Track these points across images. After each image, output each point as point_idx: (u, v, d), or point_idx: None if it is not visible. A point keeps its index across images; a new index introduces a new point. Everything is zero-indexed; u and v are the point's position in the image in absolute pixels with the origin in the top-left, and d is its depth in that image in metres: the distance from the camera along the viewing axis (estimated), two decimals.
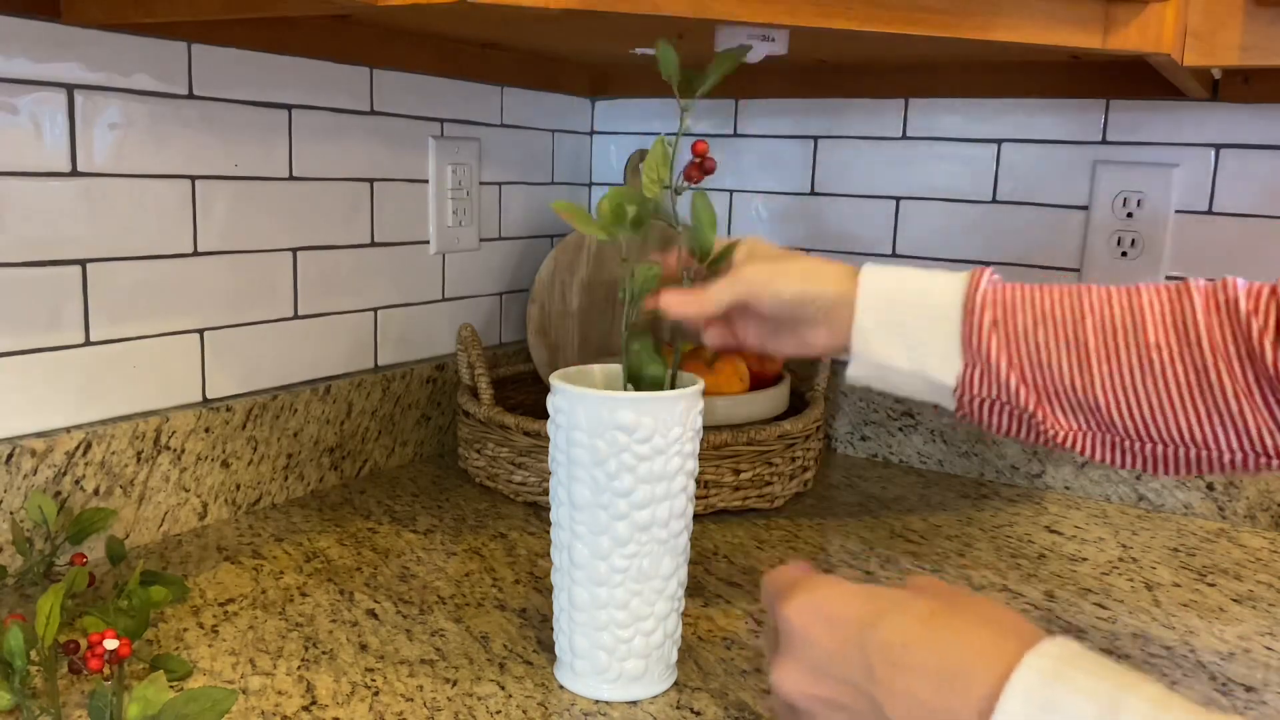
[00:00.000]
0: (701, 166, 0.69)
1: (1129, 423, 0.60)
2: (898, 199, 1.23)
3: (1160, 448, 0.60)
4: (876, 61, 1.17)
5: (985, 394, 0.62)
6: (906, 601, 0.44)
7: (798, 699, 0.45)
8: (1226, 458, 0.59)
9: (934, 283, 0.65)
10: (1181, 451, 0.60)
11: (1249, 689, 0.71)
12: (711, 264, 0.70)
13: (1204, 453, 0.59)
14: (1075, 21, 0.78)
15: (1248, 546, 1.00)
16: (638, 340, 0.67)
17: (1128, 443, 0.61)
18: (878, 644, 0.42)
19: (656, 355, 0.67)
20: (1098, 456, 0.62)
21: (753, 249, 0.72)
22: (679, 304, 0.69)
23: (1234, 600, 0.87)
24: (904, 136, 1.22)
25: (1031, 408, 0.62)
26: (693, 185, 0.69)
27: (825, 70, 1.22)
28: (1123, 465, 0.62)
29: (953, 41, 0.79)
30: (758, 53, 0.81)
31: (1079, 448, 0.62)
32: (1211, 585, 0.90)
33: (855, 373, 0.67)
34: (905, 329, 0.63)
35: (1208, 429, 0.58)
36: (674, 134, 0.67)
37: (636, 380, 0.67)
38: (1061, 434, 0.62)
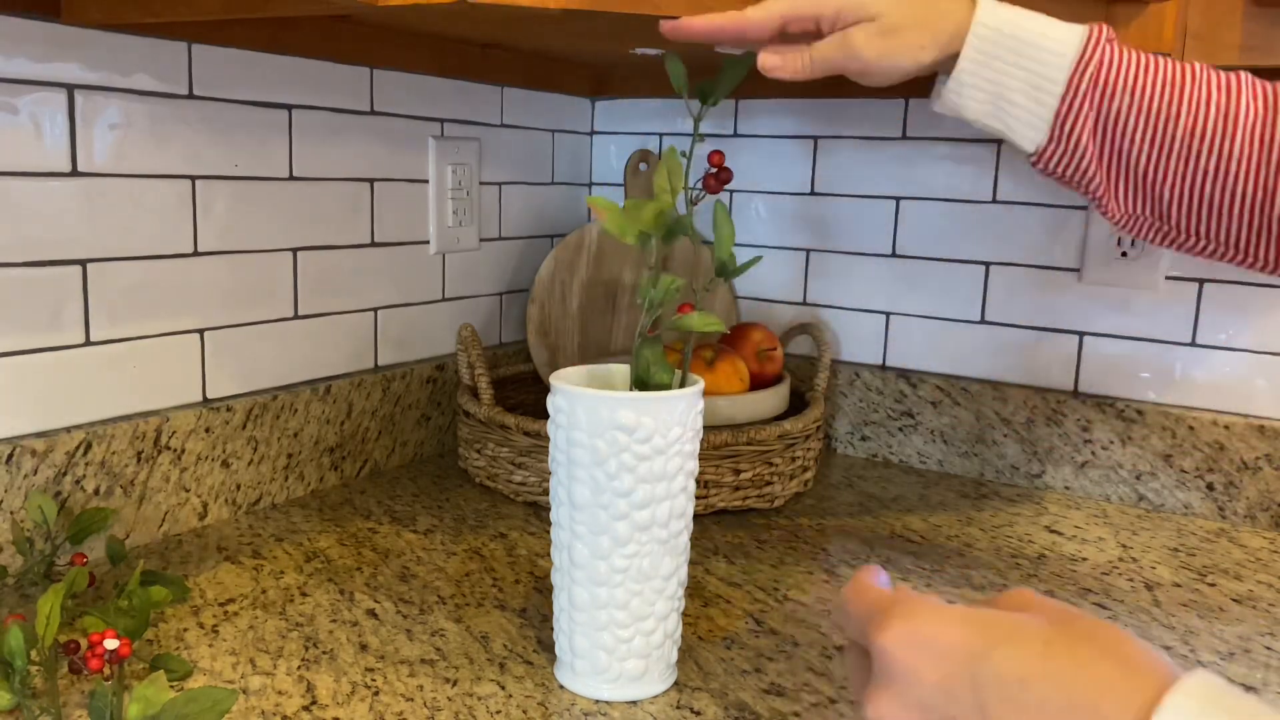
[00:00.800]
0: (718, 177, 0.69)
1: (1190, 222, 0.63)
2: (897, 199, 1.23)
3: (1210, 247, 0.64)
4: None
5: (1059, 167, 0.64)
6: (1020, 629, 0.39)
7: None
8: (1271, 268, 0.63)
9: (1049, 33, 0.63)
10: (1229, 255, 0.64)
11: (1249, 689, 0.71)
12: (729, 277, 0.70)
13: (1252, 261, 0.64)
14: (1075, 21, 0.78)
15: (1248, 546, 1.00)
16: (649, 347, 0.66)
17: (1181, 237, 0.64)
18: (992, 679, 0.38)
19: (665, 363, 0.67)
20: (1147, 238, 0.65)
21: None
22: (776, 66, 0.66)
23: (1234, 600, 0.87)
24: (904, 136, 1.22)
25: (1099, 189, 0.64)
26: (710, 194, 0.68)
27: None
28: (1170, 246, 0.65)
29: None
30: None
31: (1131, 229, 0.65)
32: (1211, 585, 0.90)
33: (941, 109, 0.68)
34: (1002, 89, 0.63)
35: (1264, 245, 0.62)
36: (682, 139, 0.67)
37: (643, 387, 0.67)
38: (1118, 215, 0.65)
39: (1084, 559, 0.95)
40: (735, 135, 1.31)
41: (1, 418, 0.80)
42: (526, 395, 1.23)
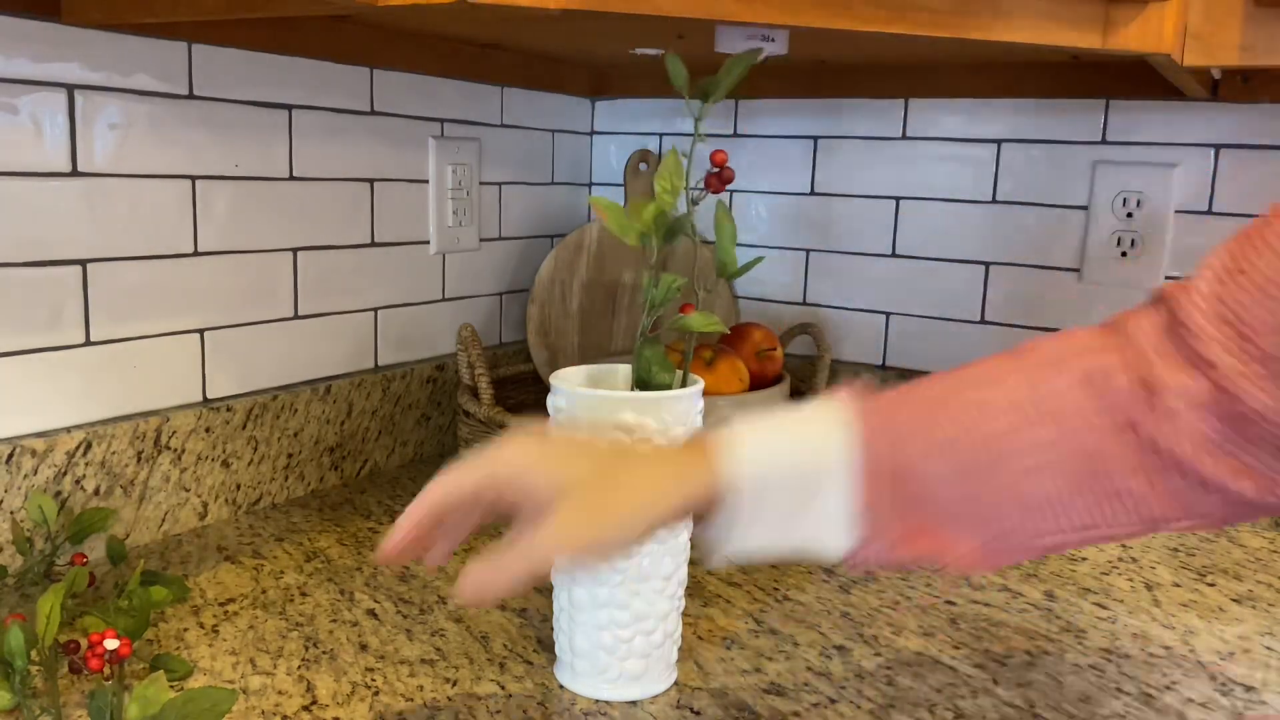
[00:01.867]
0: (721, 176, 0.69)
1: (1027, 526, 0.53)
2: (898, 199, 1.23)
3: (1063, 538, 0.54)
4: (876, 61, 1.17)
5: (878, 559, 0.54)
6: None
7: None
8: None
9: (805, 446, 0.53)
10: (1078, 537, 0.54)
11: (1249, 689, 0.71)
12: (730, 277, 0.70)
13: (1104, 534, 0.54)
14: (1075, 21, 0.79)
15: (1248, 546, 1.00)
16: (650, 348, 0.66)
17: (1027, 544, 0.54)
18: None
19: (666, 363, 0.67)
20: (991, 566, 0.55)
21: (564, 478, 0.53)
22: (485, 586, 0.52)
23: (1234, 600, 0.87)
24: (904, 136, 1.22)
25: (935, 550, 0.54)
26: (713, 194, 0.68)
27: (825, 70, 1.22)
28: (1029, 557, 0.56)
29: (953, 41, 0.79)
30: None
31: (979, 568, 0.55)
32: (1211, 585, 0.90)
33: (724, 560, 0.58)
34: (787, 516, 0.53)
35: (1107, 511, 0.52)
36: (683, 139, 0.67)
37: (644, 387, 0.67)
38: (962, 561, 0.54)
39: (1084, 559, 0.95)
40: (735, 135, 1.31)
41: (1, 417, 0.80)
42: (526, 395, 1.23)
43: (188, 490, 0.92)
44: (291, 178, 0.99)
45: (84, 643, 0.64)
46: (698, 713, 0.65)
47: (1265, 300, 0.48)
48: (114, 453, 0.86)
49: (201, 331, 0.93)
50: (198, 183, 0.91)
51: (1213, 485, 0.50)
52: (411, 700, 0.65)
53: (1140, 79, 1.04)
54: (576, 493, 0.52)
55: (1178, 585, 0.89)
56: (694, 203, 0.68)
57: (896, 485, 0.53)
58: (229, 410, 0.95)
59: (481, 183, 1.22)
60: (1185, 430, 0.49)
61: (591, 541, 0.52)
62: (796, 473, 0.52)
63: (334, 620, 0.76)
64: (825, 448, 0.53)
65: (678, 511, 0.53)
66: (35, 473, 0.80)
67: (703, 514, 0.54)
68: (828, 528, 0.53)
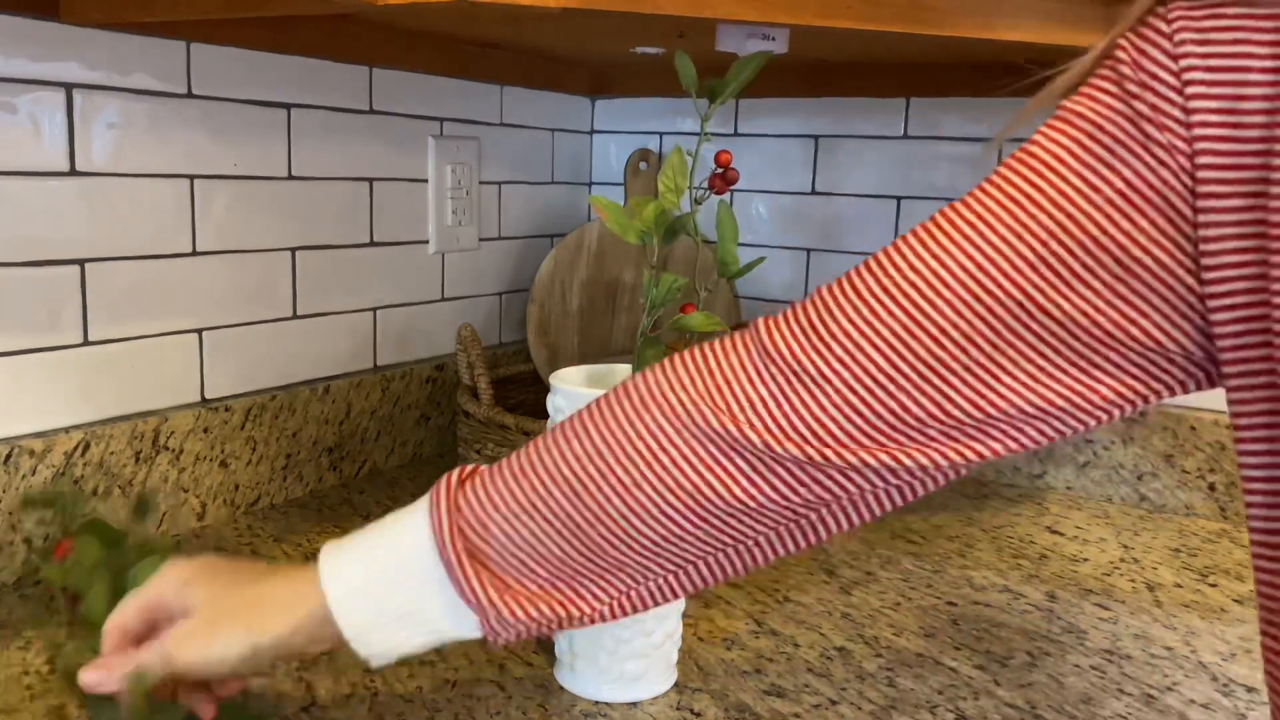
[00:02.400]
0: (725, 177, 0.69)
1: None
2: (899, 198, 1.23)
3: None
4: (878, 60, 1.17)
5: (513, 631, 0.53)
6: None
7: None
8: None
9: (396, 553, 0.54)
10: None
11: (1251, 690, 0.71)
12: (732, 277, 0.70)
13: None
14: (1076, 21, 0.78)
15: (1249, 547, 0.99)
16: (651, 347, 0.66)
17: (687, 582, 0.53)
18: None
19: None
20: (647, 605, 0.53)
21: (163, 592, 0.57)
22: (105, 682, 0.55)
23: (1235, 601, 0.86)
24: (905, 136, 1.21)
25: (563, 611, 0.52)
26: (716, 194, 0.68)
27: (826, 69, 1.22)
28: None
29: (953, 41, 0.79)
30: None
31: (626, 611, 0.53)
32: (1213, 586, 0.90)
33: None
34: (403, 618, 0.53)
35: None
36: (683, 139, 0.67)
37: None
38: (603, 610, 0.52)
39: (1085, 559, 0.95)
40: (736, 134, 1.31)
41: (0, 418, 0.80)
42: (526, 395, 1.23)
43: (186, 490, 0.92)
44: (290, 177, 0.99)
45: None
46: (698, 714, 0.65)
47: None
48: (112, 453, 0.85)
49: (200, 331, 0.93)
50: (196, 182, 0.91)
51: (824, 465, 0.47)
52: (411, 701, 0.65)
53: None
54: (194, 613, 0.55)
55: (1179, 586, 0.89)
56: (697, 202, 0.67)
57: (488, 560, 0.52)
58: (227, 410, 0.94)
59: (481, 182, 1.22)
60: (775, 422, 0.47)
61: (191, 662, 0.54)
62: (389, 581, 0.53)
63: None
64: (411, 550, 0.53)
65: (287, 634, 0.54)
66: (34, 473, 0.80)
67: (324, 636, 0.54)
68: (445, 621, 0.53)
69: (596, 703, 0.66)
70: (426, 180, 1.15)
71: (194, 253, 0.92)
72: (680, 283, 0.66)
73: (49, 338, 0.82)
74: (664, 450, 0.49)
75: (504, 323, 1.30)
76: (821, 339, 0.47)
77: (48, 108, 0.79)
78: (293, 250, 1.01)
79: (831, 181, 1.26)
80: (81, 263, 0.83)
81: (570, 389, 0.64)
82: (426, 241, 1.16)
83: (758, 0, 0.72)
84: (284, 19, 0.94)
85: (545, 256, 1.23)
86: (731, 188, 0.70)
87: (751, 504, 0.49)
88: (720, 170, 0.69)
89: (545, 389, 0.67)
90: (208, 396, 0.95)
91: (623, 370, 0.70)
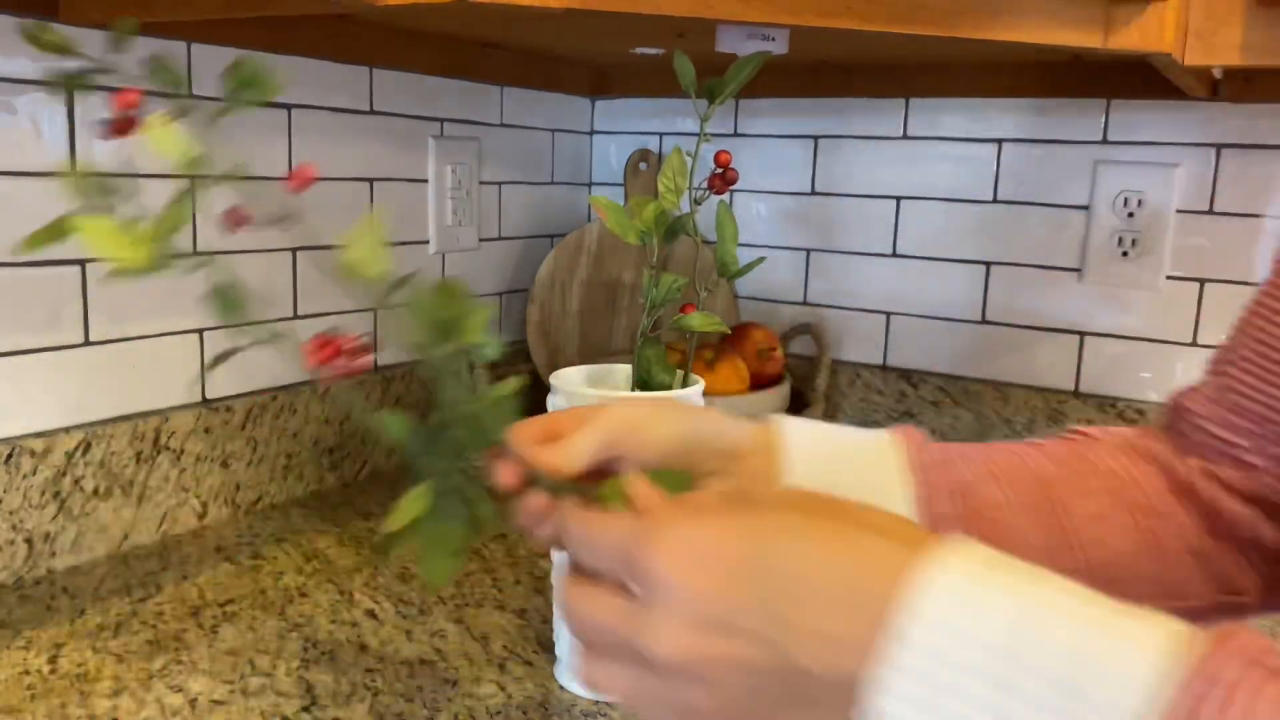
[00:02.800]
0: (724, 177, 0.69)
1: None
2: (898, 199, 1.23)
3: None
4: (877, 61, 1.17)
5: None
6: (786, 521, 0.36)
7: (687, 663, 0.35)
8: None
9: (858, 437, 0.53)
10: None
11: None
12: (732, 277, 0.70)
13: None
14: (1076, 21, 0.78)
15: None
16: (651, 347, 0.66)
17: None
18: (775, 582, 0.34)
19: (666, 364, 0.67)
20: None
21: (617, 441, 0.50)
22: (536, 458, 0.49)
23: None
24: (905, 136, 1.21)
25: None
26: (716, 195, 0.68)
27: (826, 70, 1.22)
28: None
29: (953, 41, 0.79)
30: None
31: None
32: None
33: None
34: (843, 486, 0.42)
35: None
36: (683, 139, 0.67)
37: (644, 387, 0.67)
38: None
39: None
40: (736, 134, 1.31)
41: (1, 418, 0.80)
42: (526, 395, 1.23)
43: (187, 490, 0.92)
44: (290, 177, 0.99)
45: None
46: None
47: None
48: (113, 453, 0.85)
49: (200, 331, 0.93)
50: (196, 182, 0.91)
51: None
52: (411, 701, 0.65)
53: (1141, 79, 1.04)
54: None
55: None
56: (697, 203, 0.67)
57: (955, 499, 0.51)
58: (228, 411, 0.94)
59: (481, 182, 1.22)
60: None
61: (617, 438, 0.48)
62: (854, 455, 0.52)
63: (333, 621, 0.76)
64: (880, 463, 0.51)
65: (715, 439, 0.51)
66: (34, 473, 0.80)
67: (743, 470, 0.51)
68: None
69: (596, 703, 0.66)
70: (426, 180, 1.15)
71: (194, 253, 0.92)
72: (680, 283, 0.66)
73: (50, 338, 0.82)
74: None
75: (504, 323, 1.30)
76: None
77: (48, 108, 0.79)
78: (293, 250, 1.01)
79: (831, 181, 1.27)
80: (82, 263, 0.83)
81: (570, 389, 0.64)
82: (427, 241, 1.16)
83: (758, 1, 0.72)
84: (284, 19, 0.94)
85: (545, 257, 1.23)
86: (731, 188, 0.70)
87: None
88: (720, 170, 0.69)
89: (545, 389, 0.67)
90: (208, 397, 0.95)
91: (623, 370, 0.70)
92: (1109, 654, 0.29)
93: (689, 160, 0.65)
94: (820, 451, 0.51)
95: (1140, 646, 0.29)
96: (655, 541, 0.36)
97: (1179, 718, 0.27)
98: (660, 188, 0.65)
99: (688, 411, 0.52)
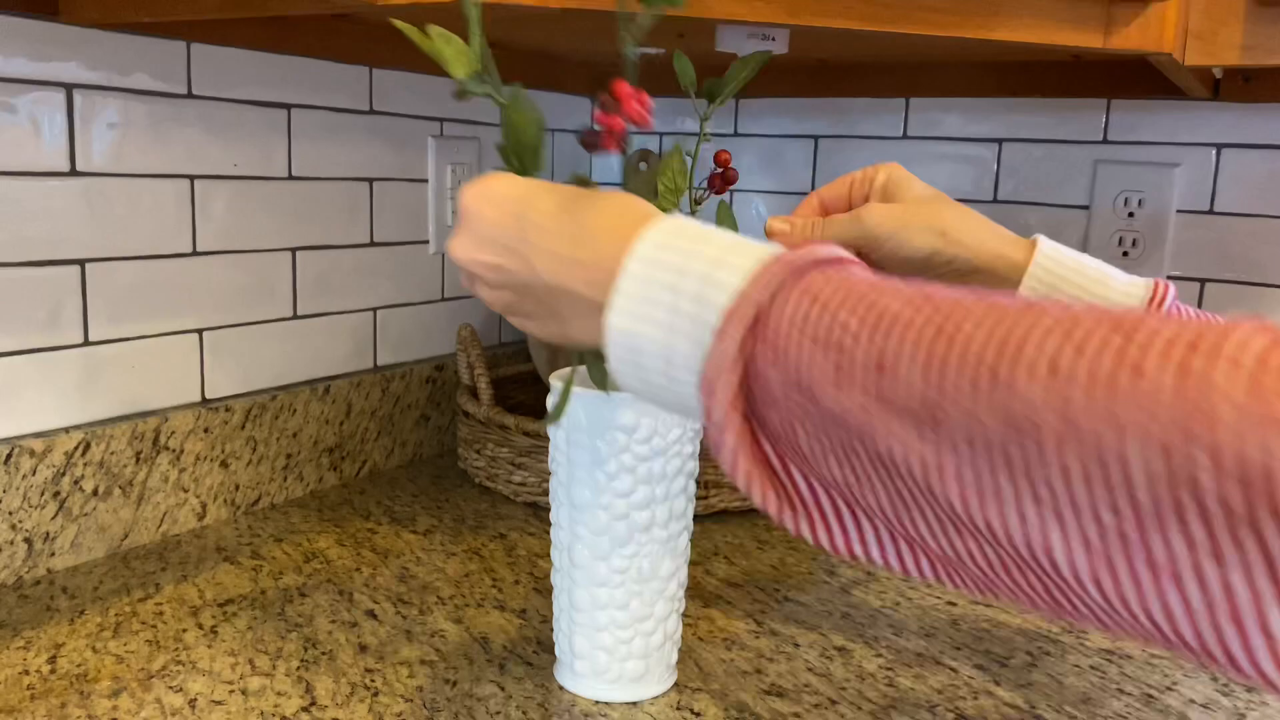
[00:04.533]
0: (724, 177, 0.69)
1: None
2: None
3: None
4: (877, 61, 1.17)
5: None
6: (556, 188, 0.50)
7: (467, 264, 0.51)
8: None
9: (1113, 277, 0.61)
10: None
11: (1251, 689, 0.71)
12: None
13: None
14: (1076, 21, 0.78)
15: None
16: None
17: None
18: (530, 218, 0.48)
19: None
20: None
21: (890, 181, 0.66)
22: (785, 236, 0.66)
23: None
24: (905, 136, 1.21)
25: None
26: (716, 195, 0.68)
27: (826, 70, 1.22)
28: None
29: (953, 41, 0.79)
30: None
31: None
32: None
33: None
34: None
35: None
36: (683, 138, 0.67)
37: None
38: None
39: None
40: (736, 134, 1.31)
41: (0, 418, 0.80)
42: (526, 395, 1.23)
43: (186, 490, 0.92)
44: (290, 177, 0.99)
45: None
46: (698, 714, 0.65)
47: None
48: (113, 453, 0.85)
49: (200, 331, 0.93)
50: (196, 182, 0.91)
51: None
52: (411, 701, 0.65)
53: (1142, 78, 1.04)
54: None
55: None
56: (697, 203, 0.67)
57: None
58: (228, 410, 0.94)
59: None
60: None
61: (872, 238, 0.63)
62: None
63: (333, 621, 0.76)
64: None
65: (959, 260, 0.62)
66: (34, 473, 0.80)
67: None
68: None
69: (596, 703, 0.66)
70: (426, 180, 1.15)
71: (194, 253, 0.92)
72: None
73: (49, 338, 0.82)
74: None
75: (504, 323, 1.30)
76: None
77: (47, 108, 0.79)
78: (293, 250, 1.01)
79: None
80: (82, 263, 0.83)
81: (570, 389, 0.64)
82: (426, 241, 1.16)
83: (758, 1, 0.72)
84: (284, 19, 0.94)
85: None
86: (731, 187, 0.70)
87: None
88: (720, 170, 0.69)
89: (545, 389, 0.67)
90: (208, 396, 0.95)
91: None
92: (730, 263, 0.39)
93: (689, 160, 0.65)
94: (1067, 268, 0.60)
95: (749, 257, 0.39)
96: (468, 186, 0.51)
97: (760, 285, 0.38)
98: (660, 188, 0.65)
99: (946, 227, 0.60)
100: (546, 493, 0.98)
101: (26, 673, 0.67)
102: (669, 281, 0.40)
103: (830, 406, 0.35)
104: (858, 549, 0.38)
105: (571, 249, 0.45)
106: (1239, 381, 0.27)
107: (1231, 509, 0.26)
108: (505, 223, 0.48)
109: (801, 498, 0.39)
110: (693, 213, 0.66)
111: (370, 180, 1.08)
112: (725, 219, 0.69)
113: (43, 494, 0.81)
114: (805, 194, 1.28)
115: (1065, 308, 0.32)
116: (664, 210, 0.64)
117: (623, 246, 0.42)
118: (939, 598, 0.84)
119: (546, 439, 0.64)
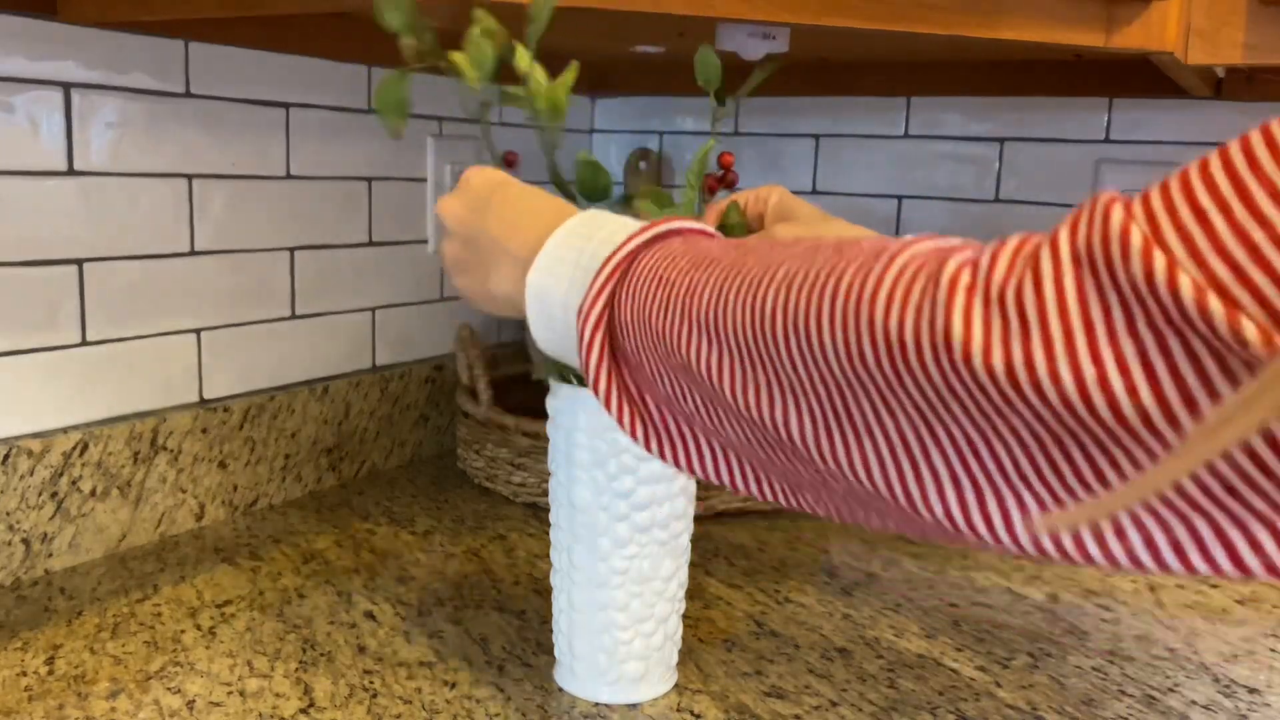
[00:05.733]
0: (725, 179, 0.69)
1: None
2: (900, 197, 1.22)
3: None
4: (878, 59, 1.17)
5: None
6: (527, 188, 0.61)
7: (446, 214, 0.60)
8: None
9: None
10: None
11: (1252, 690, 0.71)
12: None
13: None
14: (1078, 20, 0.78)
15: None
16: None
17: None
18: (501, 192, 0.59)
19: None
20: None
21: (782, 203, 0.71)
22: None
23: (1237, 602, 0.86)
24: (906, 135, 1.21)
25: None
26: (710, 196, 0.69)
27: (827, 68, 1.21)
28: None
29: (955, 39, 0.79)
30: (759, 51, 0.81)
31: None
32: (1215, 587, 0.89)
33: None
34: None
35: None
36: (682, 137, 0.67)
37: None
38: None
39: None
40: (736, 134, 1.31)
41: None
42: (526, 395, 1.22)
43: (184, 491, 0.92)
44: (289, 176, 0.99)
45: None
46: (698, 715, 0.65)
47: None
48: (110, 453, 0.85)
49: (198, 331, 0.93)
50: (194, 181, 0.90)
51: None
52: (410, 703, 0.65)
53: (1143, 78, 1.04)
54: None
55: (1181, 587, 0.89)
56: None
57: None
58: (226, 411, 0.94)
59: None
60: None
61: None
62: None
63: (332, 622, 0.76)
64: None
65: None
66: (31, 473, 0.80)
67: None
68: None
69: (596, 704, 0.66)
70: (425, 179, 1.14)
71: (192, 252, 0.91)
72: None
73: (47, 338, 0.82)
74: None
75: (503, 322, 1.30)
76: None
77: (46, 107, 0.79)
78: (291, 250, 1.00)
79: (832, 181, 1.26)
80: (79, 262, 0.83)
81: (571, 389, 0.64)
82: (425, 241, 1.16)
83: None
84: (282, 18, 0.93)
85: None
86: (727, 189, 0.70)
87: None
88: (721, 172, 0.69)
89: (545, 389, 0.67)
90: (206, 397, 0.94)
91: None
92: (621, 235, 0.48)
93: (709, 160, 0.67)
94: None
95: (623, 230, 0.49)
96: (470, 169, 0.64)
97: (631, 243, 0.47)
98: (687, 184, 0.66)
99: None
100: (546, 493, 0.98)
101: (24, 674, 0.67)
102: (577, 246, 0.50)
103: (657, 327, 0.44)
104: (696, 467, 0.47)
105: (516, 217, 0.56)
106: (893, 282, 0.35)
107: (886, 375, 0.35)
108: (483, 191, 0.60)
109: (654, 421, 0.47)
110: (699, 213, 0.66)
111: (369, 180, 1.07)
112: (733, 217, 0.69)
113: (40, 494, 0.80)
114: (807, 193, 1.28)
115: (820, 244, 0.41)
116: (688, 202, 0.65)
117: (552, 226, 0.53)
118: (940, 599, 0.84)
119: (546, 439, 0.64)
